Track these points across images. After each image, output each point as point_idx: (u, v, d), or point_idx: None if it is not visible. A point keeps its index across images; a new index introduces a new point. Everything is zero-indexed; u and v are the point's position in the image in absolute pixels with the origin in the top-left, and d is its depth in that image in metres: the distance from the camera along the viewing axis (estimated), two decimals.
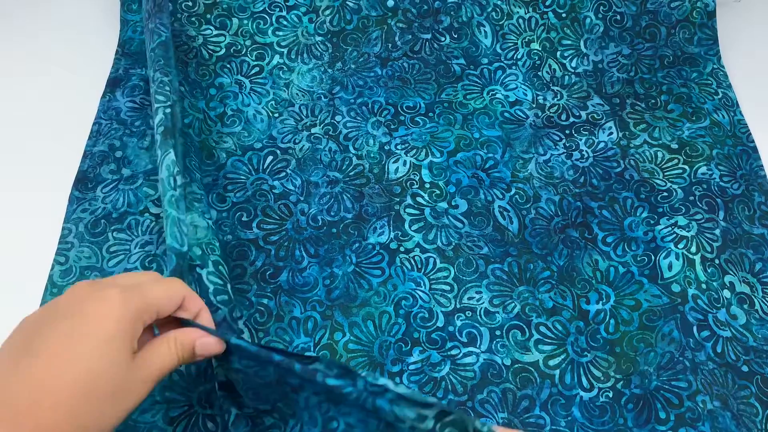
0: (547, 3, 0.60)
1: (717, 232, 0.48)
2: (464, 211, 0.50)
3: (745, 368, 0.43)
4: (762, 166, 0.53)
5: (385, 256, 0.47)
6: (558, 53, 0.59)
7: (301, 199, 0.50)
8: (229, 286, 0.39)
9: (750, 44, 0.61)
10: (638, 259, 0.47)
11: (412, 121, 0.55)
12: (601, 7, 0.60)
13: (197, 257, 0.39)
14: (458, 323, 0.45)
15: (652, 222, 0.49)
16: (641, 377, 0.42)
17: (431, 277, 0.47)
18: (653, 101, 0.57)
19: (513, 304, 0.46)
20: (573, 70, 0.59)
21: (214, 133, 0.53)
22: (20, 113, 0.55)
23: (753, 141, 0.54)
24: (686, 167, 0.52)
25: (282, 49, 0.58)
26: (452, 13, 0.60)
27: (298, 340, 0.44)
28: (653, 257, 0.47)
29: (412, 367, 0.43)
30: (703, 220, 0.49)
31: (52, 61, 0.58)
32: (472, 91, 0.58)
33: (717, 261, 0.47)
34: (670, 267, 0.46)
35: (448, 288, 0.46)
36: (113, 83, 0.56)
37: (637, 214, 0.50)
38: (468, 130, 0.55)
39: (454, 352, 0.44)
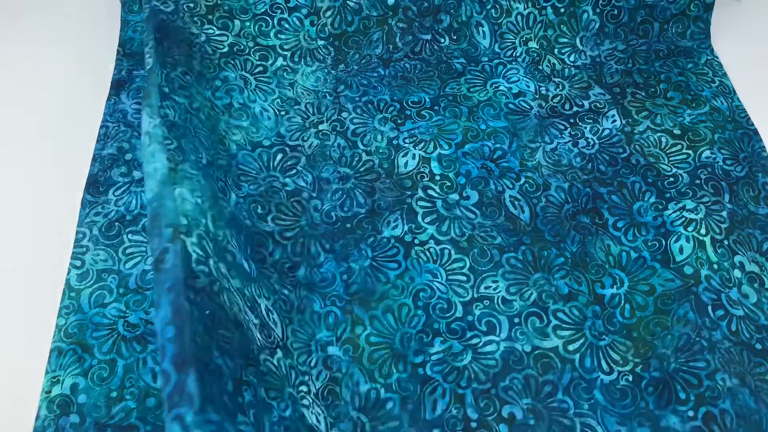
0: None
1: (724, 214, 0.49)
2: (476, 202, 0.51)
3: (758, 346, 0.43)
4: (764, 147, 0.54)
5: (401, 249, 0.48)
6: (555, 50, 0.61)
7: (314, 195, 0.50)
8: (212, 263, 0.36)
9: (745, 35, 0.63)
10: (649, 244, 0.48)
11: (418, 114, 0.56)
12: (600, 1, 0.61)
13: (183, 226, 0.36)
14: (477, 312, 0.45)
15: (660, 207, 0.50)
16: (659, 360, 0.43)
17: (447, 268, 0.47)
18: (653, 89, 0.58)
19: (529, 291, 0.46)
20: (572, 64, 0.60)
21: (222, 122, 0.53)
22: (25, 117, 0.54)
23: (753, 124, 0.55)
24: (690, 152, 0.53)
25: (285, 53, 0.59)
26: (452, 11, 0.61)
27: (320, 333, 0.44)
28: (664, 242, 0.48)
29: (434, 357, 0.43)
30: (710, 203, 0.50)
31: (54, 63, 0.58)
32: (475, 84, 0.59)
33: (726, 242, 0.47)
34: (681, 250, 0.47)
35: (464, 278, 0.47)
36: (117, 85, 0.56)
37: (645, 199, 0.51)
38: (474, 121, 0.56)
39: (474, 341, 0.44)
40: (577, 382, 0.42)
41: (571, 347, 0.44)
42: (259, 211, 0.49)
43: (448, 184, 0.52)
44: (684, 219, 0.49)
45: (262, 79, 0.57)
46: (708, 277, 0.46)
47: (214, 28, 0.58)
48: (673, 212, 0.49)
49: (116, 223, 0.48)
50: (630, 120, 0.56)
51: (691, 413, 0.41)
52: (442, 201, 0.51)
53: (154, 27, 0.50)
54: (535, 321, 0.45)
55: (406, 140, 0.54)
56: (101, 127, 0.53)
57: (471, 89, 0.58)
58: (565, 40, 0.61)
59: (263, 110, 0.55)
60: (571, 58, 0.60)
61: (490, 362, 0.43)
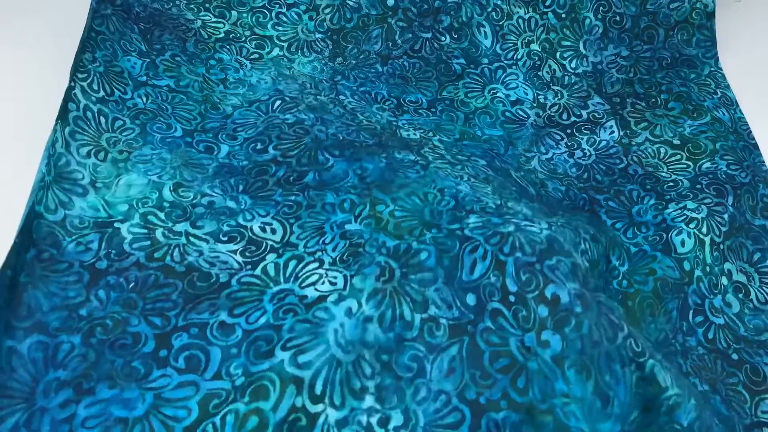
0: (547, 3, 0.60)
1: (726, 216, 0.47)
2: (484, 165, 0.49)
3: (734, 356, 0.43)
4: (764, 161, 0.53)
5: (419, 161, 0.45)
6: (558, 54, 0.60)
7: (317, 123, 0.48)
8: (160, 231, 0.39)
9: (748, 43, 0.62)
10: (650, 239, 0.47)
11: (415, 111, 0.55)
12: (601, 8, 0.60)
13: (121, 213, 0.40)
14: (512, 208, 0.41)
15: (660, 207, 0.48)
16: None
17: (471, 184, 0.44)
18: (653, 100, 0.57)
19: (557, 219, 0.43)
20: (573, 71, 0.59)
21: (217, 92, 0.51)
22: (16, 116, 0.53)
23: (754, 138, 0.54)
24: (690, 163, 0.52)
25: (282, 43, 0.58)
26: (452, 12, 0.60)
27: (335, 217, 0.41)
28: (665, 235, 0.46)
29: (472, 224, 0.39)
30: (712, 204, 0.48)
31: (39, 61, 0.57)
32: (473, 90, 0.58)
33: (722, 246, 0.46)
34: (683, 244, 0.46)
35: (490, 191, 0.43)
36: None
37: (644, 202, 0.49)
38: (470, 128, 0.55)
39: (515, 220, 0.39)
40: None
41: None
42: (258, 147, 0.46)
43: (455, 151, 0.49)
44: (686, 216, 0.47)
45: (258, 65, 0.56)
46: (699, 278, 0.45)
47: (211, 15, 0.57)
48: (674, 210, 0.48)
49: None
50: (628, 131, 0.55)
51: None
52: (451, 156, 0.48)
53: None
54: (569, 233, 0.41)
55: (405, 125, 0.52)
56: None
57: (469, 94, 0.57)
58: (568, 43, 0.60)
59: (260, 80, 0.53)
60: (573, 65, 0.59)
61: (536, 238, 0.38)
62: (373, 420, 0.33)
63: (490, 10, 0.60)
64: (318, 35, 0.58)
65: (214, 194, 0.42)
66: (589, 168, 0.52)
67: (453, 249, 0.37)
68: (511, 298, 0.36)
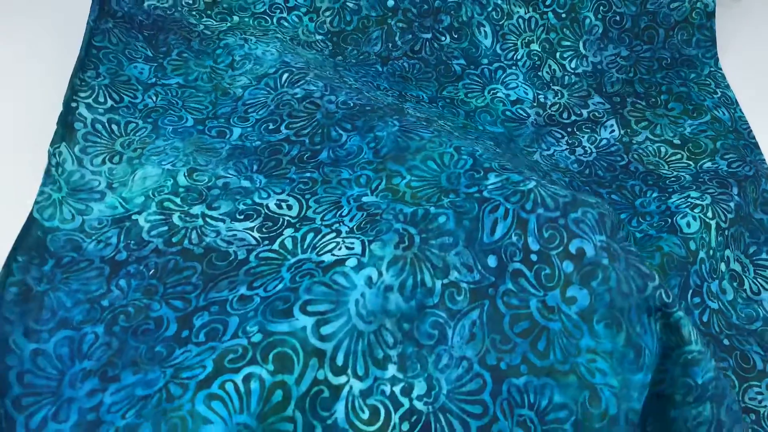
0: (547, 2, 0.60)
1: (732, 204, 0.47)
2: (493, 142, 0.49)
3: (726, 342, 0.43)
4: (764, 160, 0.53)
5: (432, 123, 0.44)
6: (557, 54, 0.60)
7: (326, 93, 0.47)
8: (177, 216, 0.40)
9: (748, 43, 0.62)
10: (655, 225, 0.46)
11: (417, 103, 0.55)
12: (601, 8, 0.60)
13: (138, 205, 0.41)
14: (533, 160, 0.42)
15: (663, 198, 0.48)
16: None
17: (481, 146, 0.43)
18: (653, 100, 0.57)
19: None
20: (573, 71, 0.59)
21: (227, 78, 0.52)
22: (14, 113, 0.54)
23: (754, 138, 0.54)
24: (690, 162, 0.52)
25: (284, 40, 0.58)
26: (452, 12, 0.60)
27: (351, 191, 0.41)
28: (670, 220, 0.46)
29: (491, 186, 0.38)
30: (716, 194, 0.47)
31: (40, 58, 0.58)
32: (473, 90, 0.58)
33: (726, 233, 0.46)
34: (688, 225, 0.45)
35: (501, 152, 0.43)
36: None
37: (647, 195, 0.49)
38: (472, 122, 0.55)
39: (536, 175, 0.39)
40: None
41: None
42: (270, 127, 0.47)
43: (463, 132, 0.50)
44: (690, 203, 0.46)
45: (264, 39, 0.56)
46: (702, 260, 0.44)
47: (213, 21, 0.58)
48: (678, 199, 0.47)
49: None
50: (629, 130, 0.55)
51: None
52: (459, 132, 0.48)
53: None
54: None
55: (410, 108, 0.52)
56: None
57: (468, 94, 0.57)
58: (568, 43, 0.60)
59: (266, 51, 0.53)
60: (573, 65, 0.59)
61: (558, 193, 0.37)
62: (397, 389, 0.33)
63: (490, 9, 0.60)
64: (318, 36, 0.59)
65: (228, 175, 0.43)
66: (590, 164, 0.52)
67: (472, 211, 0.37)
68: (533, 257, 0.35)
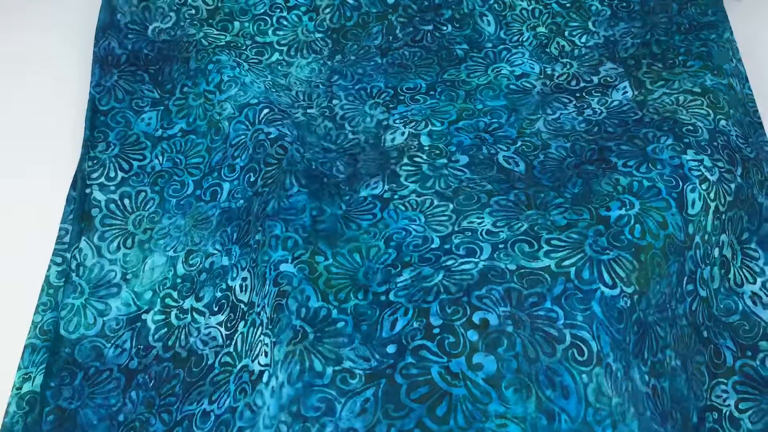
0: None
1: (732, 186, 0.43)
2: (465, 163, 0.46)
3: (705, 333, 0.40)
4: (767, 142, 0.48)
5: (378, 204, 0.44)
6: (566, 32, 0.57)
7: (297, 143, 0.47)
8: (174, 314, 0.43)
9: (748, 43, 0.58)
10: (665, 178, 0.42)
11: (411, 99, 0.53)
12: None
13: (146, 302, 0.44)
14: (456, 241, 0.39)
15: (678, 149, 0.43)
16: (647, 303, 0.37)
17: (428, 212, 0.42)
18: (671, 61, 0.53)
19: (520, 224, 0.40)
20: (583, 45, 0.56)
21: (216, 106, 0.51)
22: (13, 114, 0.55)
23: (759, 117, 0.50)
24: (710, 111, 0.47)
25: (281, 48, 0.58)
26: (453, 6, 0.59)
27: (275, 255, 0.40)
28: (681, 183, 0.41)
29: (400, 284, 0.38)
30: (724, 170, 0.44)
31: (42, 63, 0.59)
32: (476, 70, 0.55)
33: (724, 216, 0.42)
34: (693, 204, 0.41)
35: (446, 218, 0.42)
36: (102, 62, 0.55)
37: (661, 141, 0.44)
38: (471, 103, 0.52)
39: (449, 263, 0.38)
40: (572, 293, 0.36)
41: (566, 263, 0.37)
42: (251, 179, 0.46)
43: (438, 152, 0.47)
44: (701, 173, 0.42)
45: (256, 68, 0.56)
46: (697, 245, 0.40)
47: (214, 30, 0.58)
48: (692, 159, 0.43)
49: None
50: (643, 90, 0.50)
51: (645, 377, 0.36)
52: (428, 165, 0.46)
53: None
54: (524, 246, 0.38)
55: (397, 121, 0.51)
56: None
57: (471, 75, 0.55)
58: (576, 24, 0.57)
59: (253, 81, 0.53)
60: (582, 39, 0.57)
61: (465, 277, 0.36)
62: None
63: (492, 2, 0.59)
64: (318, 35, 0.58)
65: (215, 251, 0.45)
66: (599, 123, 0.48)
67: (372, 317, 0.37)
68: (436, 331, 0.34)
